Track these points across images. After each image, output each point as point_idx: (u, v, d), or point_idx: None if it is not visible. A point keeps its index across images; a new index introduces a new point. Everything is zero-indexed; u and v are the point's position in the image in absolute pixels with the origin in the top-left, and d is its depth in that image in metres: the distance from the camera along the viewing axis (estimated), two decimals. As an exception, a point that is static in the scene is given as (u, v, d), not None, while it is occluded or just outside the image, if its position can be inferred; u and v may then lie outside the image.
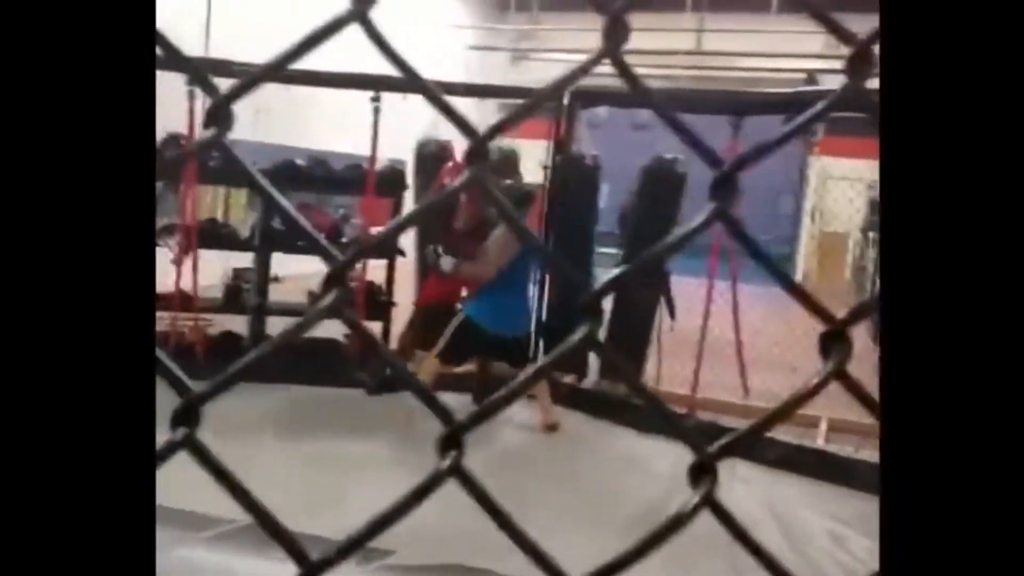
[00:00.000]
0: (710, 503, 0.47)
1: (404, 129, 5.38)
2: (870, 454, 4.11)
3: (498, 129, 0.49)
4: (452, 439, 0.45)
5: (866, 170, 6.64)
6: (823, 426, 4.84)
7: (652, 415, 0.49)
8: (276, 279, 7.00)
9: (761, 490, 3.83)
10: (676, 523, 0.47)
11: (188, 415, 0.44)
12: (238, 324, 5.69)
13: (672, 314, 5.15)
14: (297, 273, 6.01)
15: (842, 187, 5.33)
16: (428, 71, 0.55)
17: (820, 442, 4.67)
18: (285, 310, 5.72)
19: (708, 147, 0.50)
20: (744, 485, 3.84)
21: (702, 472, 0.47)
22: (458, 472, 0.44)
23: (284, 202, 0.53)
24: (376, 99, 5.07)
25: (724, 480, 0.50)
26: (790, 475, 4.12)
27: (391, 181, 5.52)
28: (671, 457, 3.75)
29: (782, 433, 4.63)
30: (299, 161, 5.65)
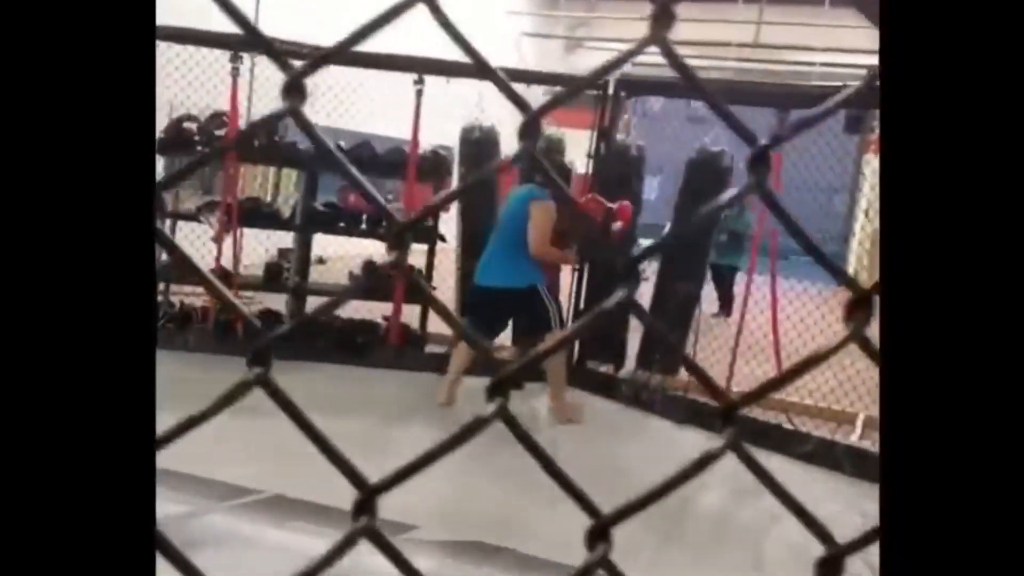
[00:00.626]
0: (736, 447, 0.51)
1: (448, 114, 5.43)
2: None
3: (550, 107, 0.53)
4: (498, 386, 0.49)
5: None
6: (859, 422, 4.80)
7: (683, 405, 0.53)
8: (322, 261, 7.13)
9: (792, 484, 3.82)
10: (703, 462, 0.50)
11: (262, 357, 0.49)
12: (279, 303, 5.82)
13: (728, 311, 5.16)
14: (342, 254, 6.12)
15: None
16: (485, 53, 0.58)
17: (855, 438, 4.64)
18: (324, 291, 5.83)
19: (745, 127, 0.53)
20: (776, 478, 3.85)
21: (726, 422, 0.51)
22: (504, 413, 0.48)
23: (354, 171, 0.57)
24: (419, 82, 5.12)
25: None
26: (823, 470, 4.11)
27: (434, 166, 5.58)
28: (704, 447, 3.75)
29: (817, 429, 4.61)
30: (342, 143, 5.74)
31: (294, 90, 0.52)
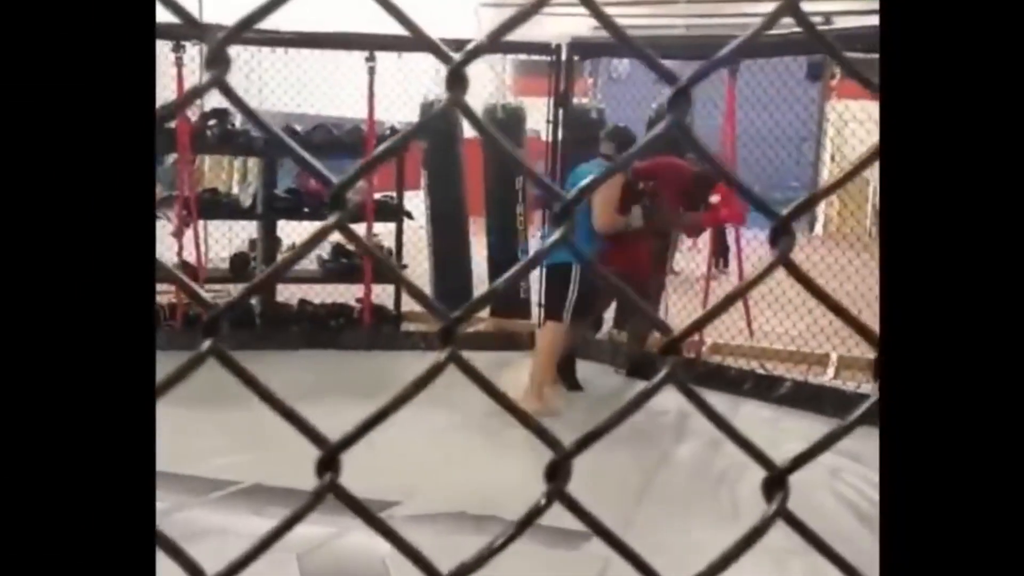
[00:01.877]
0: (674, 379, 0.53)
1: (407, 91, 5.39)
2: (873, 387, 4.18)
3: (472, 55, 0.53)
4: (448, 332, 0.51)
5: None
6: (832, 362, 4.90)
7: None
8: (293, 248, 7.09)
9: (764, 426, 3.91)
10: (647, 395, 0.53)
11: (212, 328, 0.50)
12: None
13: (725, 263, 5.17)
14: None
15: (861, 131, 5.29)
16: (437, 29, 0.58)
17: (828, 378, 4.74)
18: (296, 277, 5.80)
19: (665, 68, 0.54)
20: (746, 423, 3.94)
21: (664, 353, 0.53)
22: (456, 359, 0.50)
23: (289, 141, 0.58)
24: (371, 59, 5.09)
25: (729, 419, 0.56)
26: (800, 411, 4.19)
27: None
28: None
29: (790, 371, 4.70)
30: (298, 127, 5.68)
31: (218, 61, 0.53)
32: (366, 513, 0.55)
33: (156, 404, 0.51)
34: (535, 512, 0.54)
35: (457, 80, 0.52)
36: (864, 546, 0.59)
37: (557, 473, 0.55)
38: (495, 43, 0.54)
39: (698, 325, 0.56)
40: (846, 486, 3.33)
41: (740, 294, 0.55)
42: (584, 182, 0.58)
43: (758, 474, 0.56)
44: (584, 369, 4.80)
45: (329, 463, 0.55)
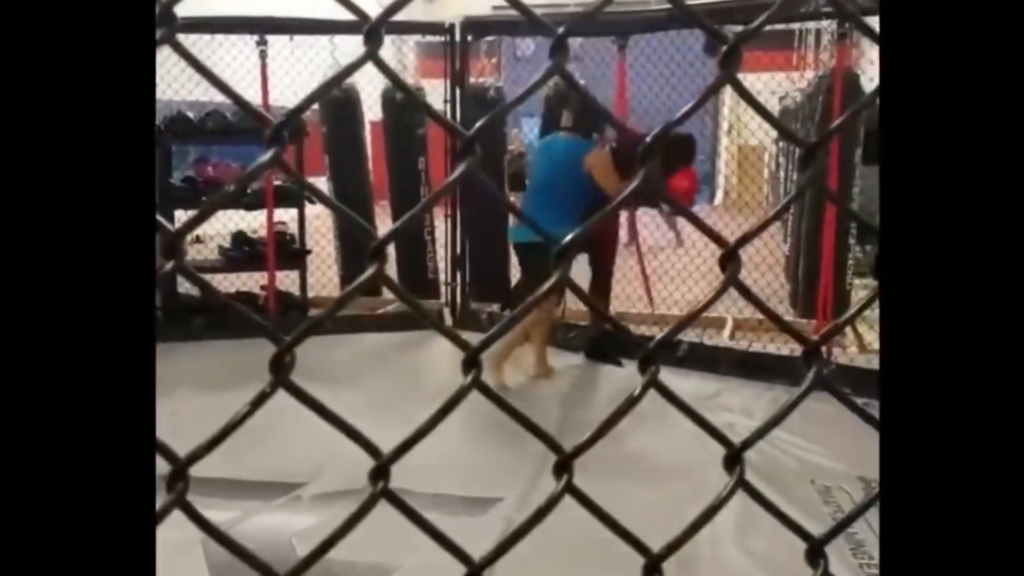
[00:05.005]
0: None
1: (302, 74, 5.31)
2: (763, 346, 4.48)
3: (391, 11, 0.58)
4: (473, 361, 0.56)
5: (775, 83, 6.89)
6: (728, 324, 5.15)
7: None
8: (199, 239, 6.86)
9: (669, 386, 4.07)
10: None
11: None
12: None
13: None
14: (220, 230, 5.93)
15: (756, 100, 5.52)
16: (331, 9, 0.60)
17: (725, 338, 4.98)
18: (198, 267, 5.64)
19: (547, 24, 0.60)
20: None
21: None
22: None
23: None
24: (262, 43, 4.99)
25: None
26: (693, 371, 4.36)
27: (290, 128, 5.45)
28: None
29: (686, 335, 4.92)
30: (190, 114, 5.52)
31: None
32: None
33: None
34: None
35: (370, 36, 0.56)
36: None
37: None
38: (391, 23, 0.58)
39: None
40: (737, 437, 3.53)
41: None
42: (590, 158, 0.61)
43: (646, 431, 0.64)
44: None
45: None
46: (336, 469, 3.10)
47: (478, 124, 0.61)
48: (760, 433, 0.65)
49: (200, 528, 0.56)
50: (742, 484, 0.64)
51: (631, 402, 0.63)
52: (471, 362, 0.60)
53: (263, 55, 5.02)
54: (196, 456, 0.55)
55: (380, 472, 0.57)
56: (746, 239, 0.65)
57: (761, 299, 0.67)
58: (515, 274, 5.55)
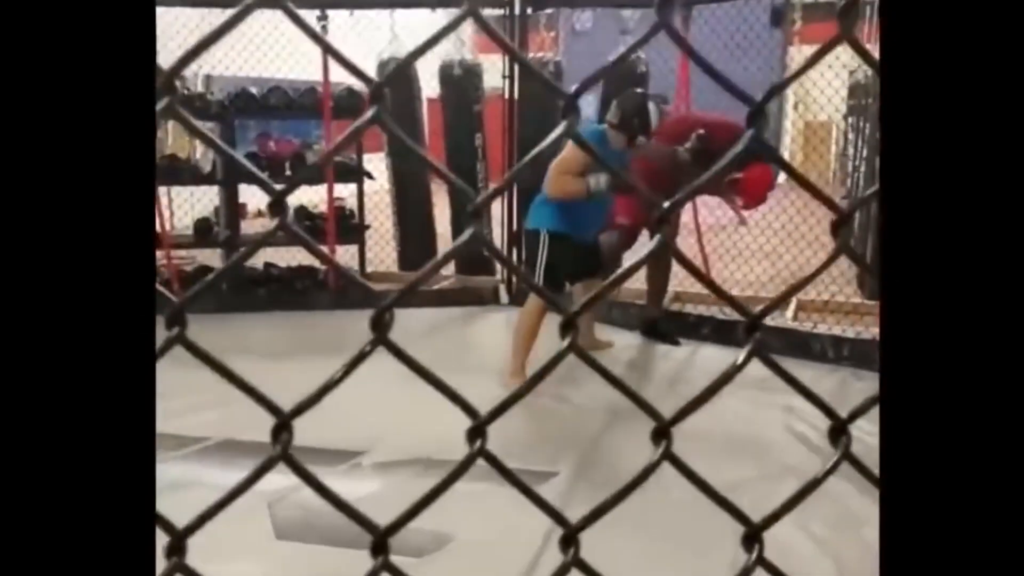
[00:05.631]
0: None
1: (362, 49, 5.35)
2: (827, 328, 4.40)
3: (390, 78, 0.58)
4: (377, 322, 0.56)
5: (846, 55, 6.67)
6: (792, 306, 5.04)
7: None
8: (260, 213, 7.03)
9: (724, 365, 4.04)
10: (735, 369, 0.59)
11: (177, 319, 0.54)
12: (217, 259, 5.77)
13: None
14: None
15: (824, 75, 5.32)
16: None
17: (787, 320, 4.88)
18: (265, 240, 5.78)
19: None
20: (705, 362, 4.08)
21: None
22: (386, 344, 0.57)
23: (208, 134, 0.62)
24: (323, 18, 5.04)
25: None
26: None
27: (349, 103, 5.52)
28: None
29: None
30: (252, 90, 5.61)
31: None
32: (308, 477, 0.60)
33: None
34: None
35: (379, 98, 0.57)
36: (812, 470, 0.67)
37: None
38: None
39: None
40: (799, 422, 3.48)
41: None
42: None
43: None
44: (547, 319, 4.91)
45: (281, 429, 0.58)
46: (394, 440, 3.17)
47: (485, 194, 0.60)
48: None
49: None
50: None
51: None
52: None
53: (324, 30, 5.07)
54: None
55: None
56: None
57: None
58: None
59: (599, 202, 3.79)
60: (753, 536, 0.62)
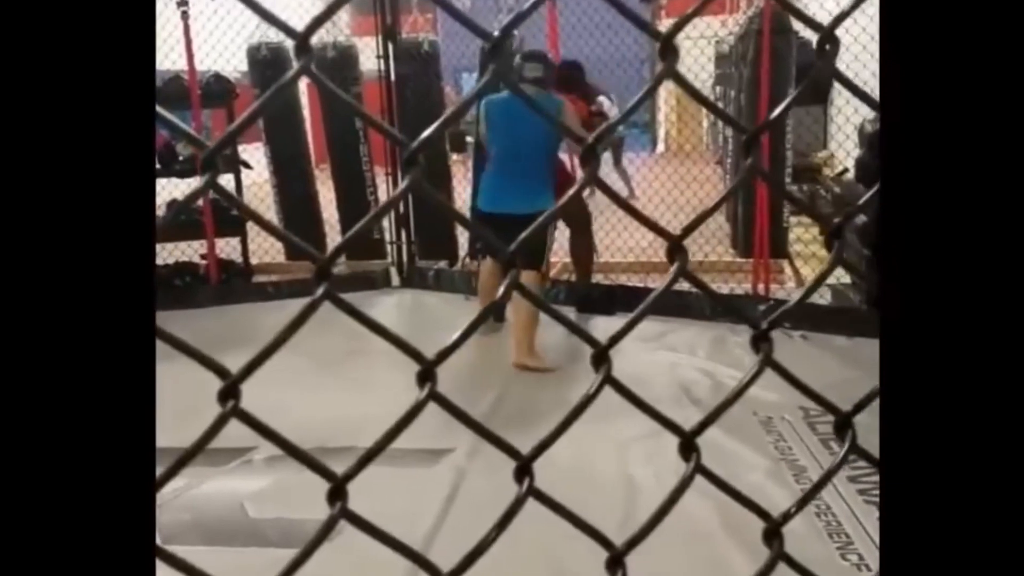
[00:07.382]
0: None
1: (228, 36, 5.15)
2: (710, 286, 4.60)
3: (319, 23, 0.58)
4: (323, 271, 0.57)
5: (710, 28, 6.89)
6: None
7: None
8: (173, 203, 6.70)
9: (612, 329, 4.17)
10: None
11: None
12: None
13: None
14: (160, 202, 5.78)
15: (692, 47, 5.50)
16: None
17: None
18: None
19: None
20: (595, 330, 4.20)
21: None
22: (330, 296, 0.56)
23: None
24: (183, 4, 4.82)
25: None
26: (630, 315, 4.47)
27: (218, 92, 5.31)
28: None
29: (631, 280, 5.01)
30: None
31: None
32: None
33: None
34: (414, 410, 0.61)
35: (304, 51, 0.56)
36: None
37: (428, 377, 0.63)
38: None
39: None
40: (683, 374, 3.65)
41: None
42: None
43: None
44: (440, 299, 4.93)
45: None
46: (284, 432, 3.10)
47: (422, 135, 0.61)
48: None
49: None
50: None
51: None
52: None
53: (185, 16, 4.85)
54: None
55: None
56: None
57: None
58: (461, 232, 5.54)
59: None
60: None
